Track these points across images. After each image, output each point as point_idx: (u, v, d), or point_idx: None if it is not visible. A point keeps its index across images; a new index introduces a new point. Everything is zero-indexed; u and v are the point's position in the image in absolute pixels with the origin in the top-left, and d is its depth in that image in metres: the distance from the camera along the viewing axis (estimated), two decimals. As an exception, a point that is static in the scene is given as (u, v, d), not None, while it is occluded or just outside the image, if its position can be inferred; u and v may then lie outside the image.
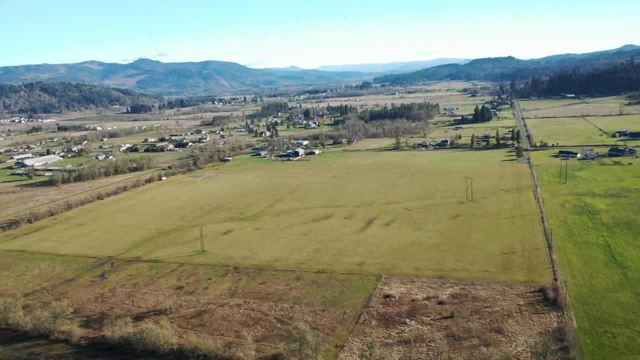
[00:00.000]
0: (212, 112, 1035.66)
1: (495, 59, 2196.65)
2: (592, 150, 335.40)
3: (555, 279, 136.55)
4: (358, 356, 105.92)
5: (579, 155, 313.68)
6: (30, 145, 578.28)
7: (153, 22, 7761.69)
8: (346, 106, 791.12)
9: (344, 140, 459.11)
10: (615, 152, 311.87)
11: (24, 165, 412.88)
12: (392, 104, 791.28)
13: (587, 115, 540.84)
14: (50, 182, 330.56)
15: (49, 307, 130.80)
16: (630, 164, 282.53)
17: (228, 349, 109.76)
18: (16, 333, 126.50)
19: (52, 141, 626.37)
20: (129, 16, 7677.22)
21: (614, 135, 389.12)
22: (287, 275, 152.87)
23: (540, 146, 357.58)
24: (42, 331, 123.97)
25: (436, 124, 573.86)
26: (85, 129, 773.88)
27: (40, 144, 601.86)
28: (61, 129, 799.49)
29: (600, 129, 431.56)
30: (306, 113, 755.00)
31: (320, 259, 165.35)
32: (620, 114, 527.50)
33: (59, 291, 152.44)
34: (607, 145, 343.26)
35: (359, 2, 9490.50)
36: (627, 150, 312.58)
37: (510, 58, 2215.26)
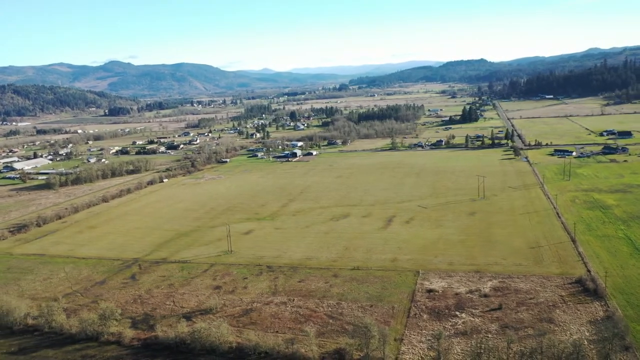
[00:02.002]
0: (193, 114, 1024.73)
1: (469, 62, 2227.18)
2: (583, 148, 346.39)
3: (589, 271, 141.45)
4: (420, 349, 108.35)
5: (574, 154, 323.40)
6: (13, 149, 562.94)
7: (122, 24, 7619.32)
8: (332, 108, 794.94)
9: (338, 141, 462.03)
10: (608, 150, 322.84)
11: (13, 169, 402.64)
12: (376, 106, 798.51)
13: (570, 116, 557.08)
14: (47, 186, 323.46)
15: (97, 309, 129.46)
16: (625, 161, 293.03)
17: (290, 345, 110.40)
18: (62, 336, 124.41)
19: (34, 144, 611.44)
20: (97, 18, 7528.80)
21: (601, 134, 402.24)
22: (324, 273, 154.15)
23: (535, 145, 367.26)
24: (89, 333, 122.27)
25: (425, 124, 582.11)
26: (66, 132, 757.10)
27: (23, 147, 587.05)
28: (40, 132, 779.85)
29: (587, 129, 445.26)
30: (292, 115, 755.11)
31: (351, 256, 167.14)
32: (602, 114, 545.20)
33: (92, 294, 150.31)
34: (598, 144, 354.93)
35: (329, 5, 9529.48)
36: (620, 148, 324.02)
37: (482, 60, 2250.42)
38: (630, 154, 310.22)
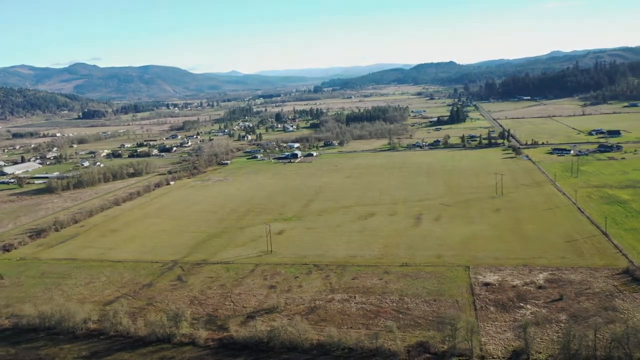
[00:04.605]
0: (172, 117, 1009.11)
1: (439, 64, 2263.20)
2: (576, 146, 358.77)
3: (631, 262, 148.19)
4: (500, 339, 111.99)
5: (572, 152, 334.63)
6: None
7: (84, 25, 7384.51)
8: (317, 110, 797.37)
9: (334, 142, 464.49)
10: (604, 148, 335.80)
11: (3, 174, 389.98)
12: (357, 107, 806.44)
13: (554, 116, 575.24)
14: (48, 190, 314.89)
15: (159, 311, 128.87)
16: (623, 158, 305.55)
17: (375, 339, 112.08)
18: (131, 339, 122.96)
19: (15, 148, 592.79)
20: (58, 19, 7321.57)
21: (590, 134, 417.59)
22: (374, 270, 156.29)
23: (532, 144, 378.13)
24: (160, 335, 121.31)
25: (413, 125, 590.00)
26: (44, 136, 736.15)
27: (4, 151, 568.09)
28: (16, 135, 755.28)
29: (574, 128, 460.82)
30: (278, 117, 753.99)
31: (394, 254, 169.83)
32: (584, 114, 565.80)
33: (144, 296, 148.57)
34: (591, 143, 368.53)
35: (295, 7, 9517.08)
36: (615, 146, 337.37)
37: (452, 63, 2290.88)
38: (625, 152, 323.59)
